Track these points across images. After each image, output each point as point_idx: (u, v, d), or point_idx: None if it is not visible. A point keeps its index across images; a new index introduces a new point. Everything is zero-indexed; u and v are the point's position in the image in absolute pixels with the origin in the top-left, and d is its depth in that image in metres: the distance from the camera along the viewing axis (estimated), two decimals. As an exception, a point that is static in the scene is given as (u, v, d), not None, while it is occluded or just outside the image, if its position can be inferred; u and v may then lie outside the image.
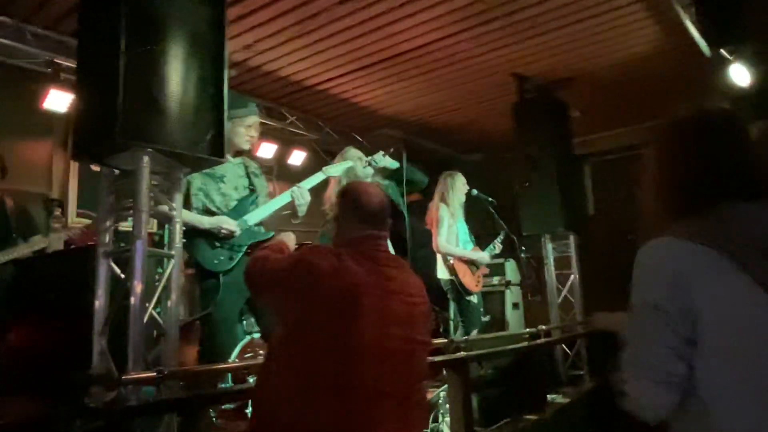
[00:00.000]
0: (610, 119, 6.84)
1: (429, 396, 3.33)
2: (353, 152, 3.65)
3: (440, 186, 4.88)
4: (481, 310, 4.97)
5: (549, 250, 5.56)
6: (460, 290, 4.57)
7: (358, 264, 1.67)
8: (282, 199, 3.07)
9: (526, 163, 5.37)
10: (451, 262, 4.60)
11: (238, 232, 2.87)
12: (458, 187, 4.85)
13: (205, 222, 2.84)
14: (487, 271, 4.94)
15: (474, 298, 4.69)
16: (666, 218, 1.28)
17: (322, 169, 3.27)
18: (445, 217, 4.70)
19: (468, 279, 4.63)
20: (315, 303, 1.59)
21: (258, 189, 3.14)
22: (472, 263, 4.73)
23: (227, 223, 2.85)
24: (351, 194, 1.87)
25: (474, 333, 4.42)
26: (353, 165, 3.50)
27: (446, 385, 3.24)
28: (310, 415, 1.52)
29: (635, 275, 1.25)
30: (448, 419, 3.20)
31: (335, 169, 3.30)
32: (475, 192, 5.38)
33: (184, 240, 2.81)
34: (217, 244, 2.86)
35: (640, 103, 6.27)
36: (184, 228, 2.79)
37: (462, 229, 4.87)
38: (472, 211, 6.20)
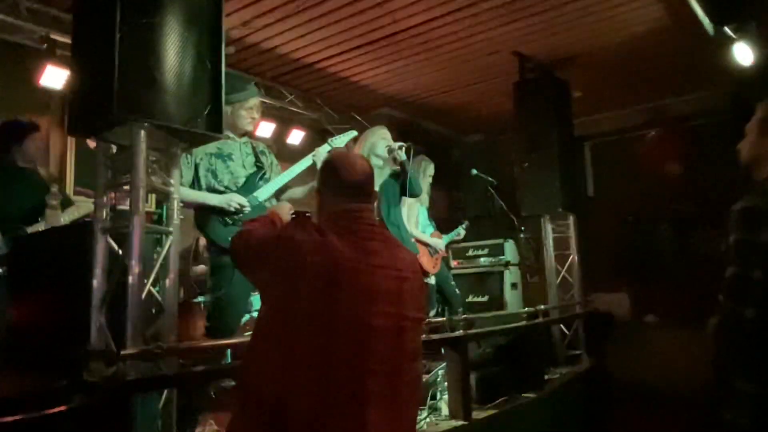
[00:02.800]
0: (611, 100, 6.80)
1: (426, 375, 3.35)
2: (382, 131, 3.73)
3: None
4: (457, 292, 5.01)
5: (548, 230, 5.55)
6: None
7: (341, 238, 1.60)
8: (292, 172, 3.08)
9: (526, 143, 5.35)
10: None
11: (248, 207, 2.88)
12: (429, 173, 4.88)
13: (213, 199, 2.85)
14: (445, 254, 4.96)
15: (432, 280, 4.73)
16: None
17: (327, 141, 3.26)
18: (405, 199, 4.74)
19: (425, 260, 4.66)
20: (297, 280, 1.53)
21: (266, 166, 3.15)
22: (428, 246, 4.76)
23: (237, 198, 2.87)
24: (331, 165, 1.78)
25: (431, 314, 4.43)
26: (371, 141, 3.58)
27: (445, 364, 3.26)
28: (294, 394, 1.48)
29: None
30: (446, 397, 3.22)
31: (340, 140, 3.30)
32: (474, 172, 5.38)
33: (198, 220, 2.88)
34: (229, 221, 2.87)
35: (642, 84, 6.24)
36: (196, 208, 2.87)
37: (422, 213, 4.90)
38: (472, 191, 6.20)
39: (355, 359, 1.52)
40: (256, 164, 3.10)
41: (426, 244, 4.74)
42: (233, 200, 2.85)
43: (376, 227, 1.75)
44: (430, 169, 4.92)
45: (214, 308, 2.92)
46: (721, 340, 1.85)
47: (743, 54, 4.23)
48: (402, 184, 3.60)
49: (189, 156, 2.90)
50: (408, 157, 3.54)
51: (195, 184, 2.91)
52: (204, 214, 2.88)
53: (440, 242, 4.88)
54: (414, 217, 4.77)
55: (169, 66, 2.20)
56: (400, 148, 3.54)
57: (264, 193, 2.99)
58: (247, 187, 2.98)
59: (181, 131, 2.25)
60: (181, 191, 2.76)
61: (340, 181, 1.71)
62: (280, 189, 3.11)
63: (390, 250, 1.69)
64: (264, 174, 3.09)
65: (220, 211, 2.85)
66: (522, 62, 5.45)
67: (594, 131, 7.39)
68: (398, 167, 3.59)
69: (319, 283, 1.52)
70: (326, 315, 1.51)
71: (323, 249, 1.56)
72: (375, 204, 1.86)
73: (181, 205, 2.62)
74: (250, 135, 3.21)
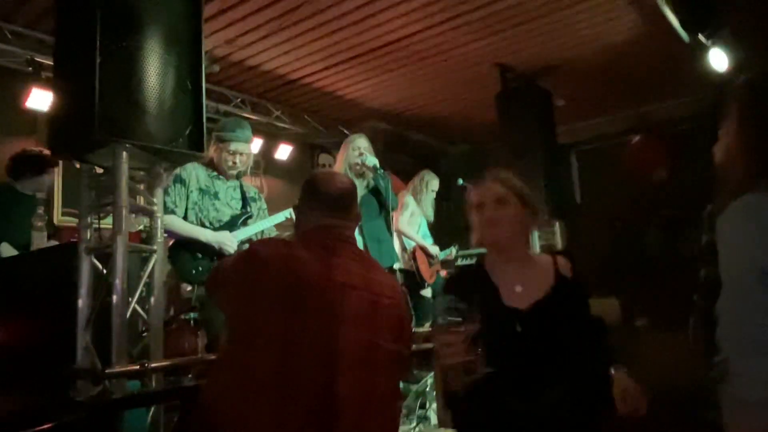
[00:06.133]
0: (594, 107, 6.88)
1: (416, 385, 3.37)
2: (359, 141, 3.76)
3: (415, 181, 5.04)
4: None
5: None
6: (417, 279, 4.65)
7: (310, 253, 1.48)
8: (271, 220, 3.15)
9: (510, 152, 5.41)
10: (412, 249, 4.71)
11: (233, 249, 2.92)
12: (432, 188, 5.02)
13: (207, 235, 2.89)
14: (440, 269, 5.05)
15: (428, 292, 4.78)
16: (747, 179, 1.20)
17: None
18: (410, 205, 4.86)
19: (425, 268, 4.75)
20: (256, 294, 1.42)
21: (254, 210, 3.19)
22: (429, 256, 4.85)
23: (229, 241, 2.90)
24: (310, 181, 1.72)
25: (427, 326, 4.49)
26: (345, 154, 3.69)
27: (433, 372, 3.28)
28: (247, 419, 1.35)
29: (727, 240, 1.16)
30: (435, 406, 3.24)
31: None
32: (461, 182, 5.42)
33: (171, 252, 2.92)
34: (200, 255, 2.91)
35: (623, 91, 6.32)
36: (179, 240, 2.91)
37: (423, 224, 5.00)
38: (460, 201, 6.24)
39: (314, 384, 1.37)
40: (242, 208, 3.14)
41: (427, 252, 4.80)
42: (226, 243, 2.89)
43: (353, 246, 1.64)
44: (434, 184, 5.03)
45: (209, 329, 2.96)
46: (698, 340, 1.89)
47: (718, 60, 4.31)
48: (378, 198, 3.65)
49: (183, 188, 2.96)
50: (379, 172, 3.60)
51: (185, 215, 2.98)
52: (178, 248, 2.92)
53: (438, 252, 4.94)
54: (416, 226, 4.88)
55: (150, 87, 2.24)
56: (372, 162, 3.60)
57: (242, 234, 3.03)
58: (228, 226, 3.03)
59: (162, 151, 2.29)
60: (177, 223, 2.87)
61: (317, 196, 1.65)
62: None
63: (364, 271, 1.56)
64: (249, 218, 3.14)
65: (197, 246, 2.89)
66: (504, 73, 5.52)
67: (579, 138, 7.46)
68: (372, 182, 3.64)
69: (277, 297, 1.41)
70: (286, 333, 1.38)
71: (288, 263, 1.45)
72: (356, 223, 1.74)
73: (166, 236, 2.69)
74: (241, 179, 3.23)
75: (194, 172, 3.01)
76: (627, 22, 4.81)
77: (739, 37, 4.15)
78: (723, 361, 1.10)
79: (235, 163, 3.07)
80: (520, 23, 4.73)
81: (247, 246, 3.02)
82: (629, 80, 5.97)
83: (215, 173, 3.10)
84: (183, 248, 2.90)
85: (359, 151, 3.65)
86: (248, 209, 3.15)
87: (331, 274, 1.47)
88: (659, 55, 5.24)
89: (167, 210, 2.86)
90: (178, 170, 2.89)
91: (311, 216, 1.63)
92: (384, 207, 3.62)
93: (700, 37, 4.05)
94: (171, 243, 2.95)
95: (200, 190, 3.01)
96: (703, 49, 4.18)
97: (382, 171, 3.63)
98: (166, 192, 2.79)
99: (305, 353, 1.38)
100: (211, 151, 3.09)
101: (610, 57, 5.36)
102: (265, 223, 3.13)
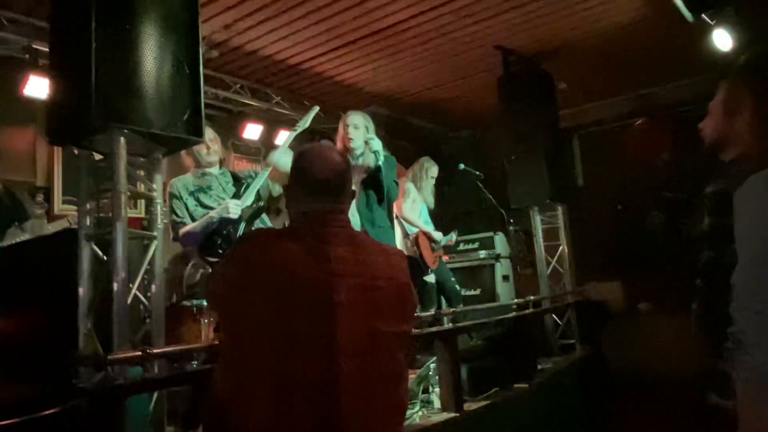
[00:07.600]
0: (597, 90, 6.82)
1: (418, 369, 3.38)
2: (352, 117, 3.69)
3: (415, 168, 5.06)
4: (457, 287, 5.09)
5: (537, 222, 5.59)
6: (421, 265, 4.66)
7: (300, 243, 1.42)
8: (262, 176, 3.24)
9: (512, 136, 5.38)
10: (415, 235, 4.71)
11: (238, 213, 3.06)
12: (431, 175, 5.03)
13: (212, 213, 3.04)
14: (442, 254, 5.06)
15: (431, 278, 4.78)
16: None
17: (293, 128, 3.43)
18: (411, 192, 4.87)
19: (428, 253, 4.76)
20: (248, 292, 1.39)
21: (252, 181, 3.30)
22: (432, 241, 4.87)
23: (231, 206, 3.04)
24: (301, 159, 1.60)
25: (431, 311, 4.49)
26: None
27: (435, 357, 3.28)
28: (252, 418, 1.33)
29: (747, 213, 1.22)
30: (437, 390, 3.25)
31: (304, 123, 3.44)
32: (462, 166, 5.42)
33: (204, 252, 3.07)
34: (219, 240, 3.03)
35: (626, 73, 6.27)
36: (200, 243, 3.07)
37: (424, 210, 5.01)
38: (461, 185, 6.24)
39: (316, 377, 1.35)
40: (234, 185, 3.29)
41: (430, 237, 4.82)
42: (229, 206, 3.03)
43: (348, 231, 1.56)
44: (433, 171, 5.03)
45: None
46: (701, 323, 1.88)
47: (722, 40, 4.27)
48: (378, 191, 3.55)
49: (179, 200, 3.12)
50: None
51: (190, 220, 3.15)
52: (207, 245, 3.03)
53: (441, 237, 4.96)
54: (417, 212, 4.90)
55: (147, 72, 2.22)
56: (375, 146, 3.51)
57: (245, 200, 3.13)
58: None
59: (160, 136, 2.27)
60: (187, 227, 3.07)
61: (308, 178, 1.54)
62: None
63: (359, 255, 1.49)
64: (248, 186, 3.23)
65: (219, 231, 3.01)
66: (505, 56, 5.47)
67: (582, 122, 7.42)
68: (373, 166, 3.55)
69: (268, 292, 1.38)
70: (278, 328, 1.35)
71: (277, 258, 1.42)
72: (352, 203, 1.69)
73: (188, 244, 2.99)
74: (224, 164, 3.42)
75: (179, 183, 3.21)
76: (629, 2, 4.75)
77: (743, 17, 4.09)
78: (738, 331, 1.12)
79: (209, 147, 3.22)
80: (519, 5, 4.67)
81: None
82: (632, 62, 5.90)
83: (200, 171, 3.26)
84: (212, 239, 3.04)
85: (352, 127, 3.59)
86: (245, 182, 3.26)
87: (322, 264, 1.42)
88: (662, 36, 5.18)
89: (178, 224, 3.09)
90: (167, 188, 3.11)
91: (302, 199, 1.55)
92: (383, 197, 3.53)
93: (704, 16, 4.00)
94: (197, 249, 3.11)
95: (191, 192, 3.18)
96: (708, 29, 4.13)
97: (385, 158, 3.48)
98: (171, 211, 3.08)
99: (302, 347, 1.36)
100: (186, 160, 3.28)
101: (613, 38, 5.30)
102: (258, 181, 3.21)
